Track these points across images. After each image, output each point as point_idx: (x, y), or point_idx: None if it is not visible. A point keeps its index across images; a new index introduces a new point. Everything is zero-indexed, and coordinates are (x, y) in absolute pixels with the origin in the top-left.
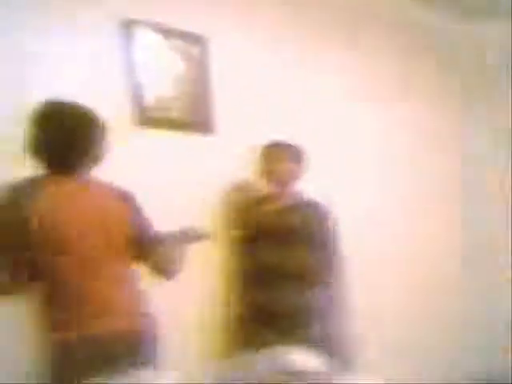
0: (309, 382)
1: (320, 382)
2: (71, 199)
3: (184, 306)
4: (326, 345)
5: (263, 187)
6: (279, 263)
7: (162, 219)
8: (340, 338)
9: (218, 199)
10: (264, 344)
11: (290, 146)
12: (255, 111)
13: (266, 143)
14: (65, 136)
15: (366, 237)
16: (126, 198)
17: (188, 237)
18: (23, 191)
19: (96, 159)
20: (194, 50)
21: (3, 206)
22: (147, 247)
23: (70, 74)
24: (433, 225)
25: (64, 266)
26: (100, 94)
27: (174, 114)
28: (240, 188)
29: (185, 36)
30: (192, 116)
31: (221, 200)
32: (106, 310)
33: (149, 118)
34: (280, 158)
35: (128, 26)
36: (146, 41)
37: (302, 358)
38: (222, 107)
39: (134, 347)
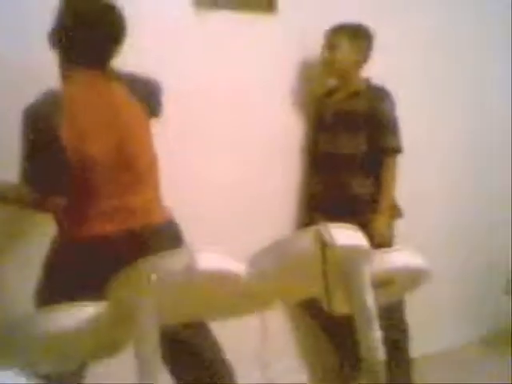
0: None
1: (361, 257)
2: (89, 104)
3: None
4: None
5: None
6: (336, 150)
7: (226, 102)
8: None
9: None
10: None
11: (350, 29)
12: None
13: (327, 28)
14: (91, 25)
15: None
16: (127, 84)
17: None
18: (48, 105)
19: (115, 53)
20: None
21: (34, 120)
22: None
23: None
24: None
25: (86, 173)
26: None
27: None
28: (308, 78)
29: None
30: None
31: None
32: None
33: None
34: (335, 45)
35: None
36: None
37: (344, 233)
38: None
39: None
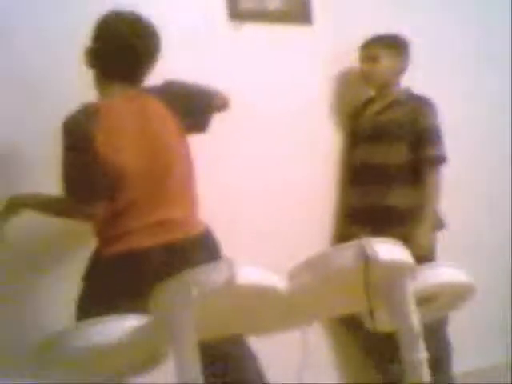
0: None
1: (405, 272)
2: (123, 117)
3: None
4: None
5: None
6: (374, 161)
7: (263, 115)
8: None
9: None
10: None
11: (388, 40)
12: None
13: (364, 40)
14: (128, 44)
15: None
16: (164, 99)
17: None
18: (85, 118)
19: (151, 69)
20: None
21: (72, 133)
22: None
23: None
24: None
25: (123, 185)
26: None
27: (271, 5)
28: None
29: None
30: (288, 5)
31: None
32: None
33: (243, 11)
34: (375, 56)
35: None
36: None
37: (388, 249)
38: None
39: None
